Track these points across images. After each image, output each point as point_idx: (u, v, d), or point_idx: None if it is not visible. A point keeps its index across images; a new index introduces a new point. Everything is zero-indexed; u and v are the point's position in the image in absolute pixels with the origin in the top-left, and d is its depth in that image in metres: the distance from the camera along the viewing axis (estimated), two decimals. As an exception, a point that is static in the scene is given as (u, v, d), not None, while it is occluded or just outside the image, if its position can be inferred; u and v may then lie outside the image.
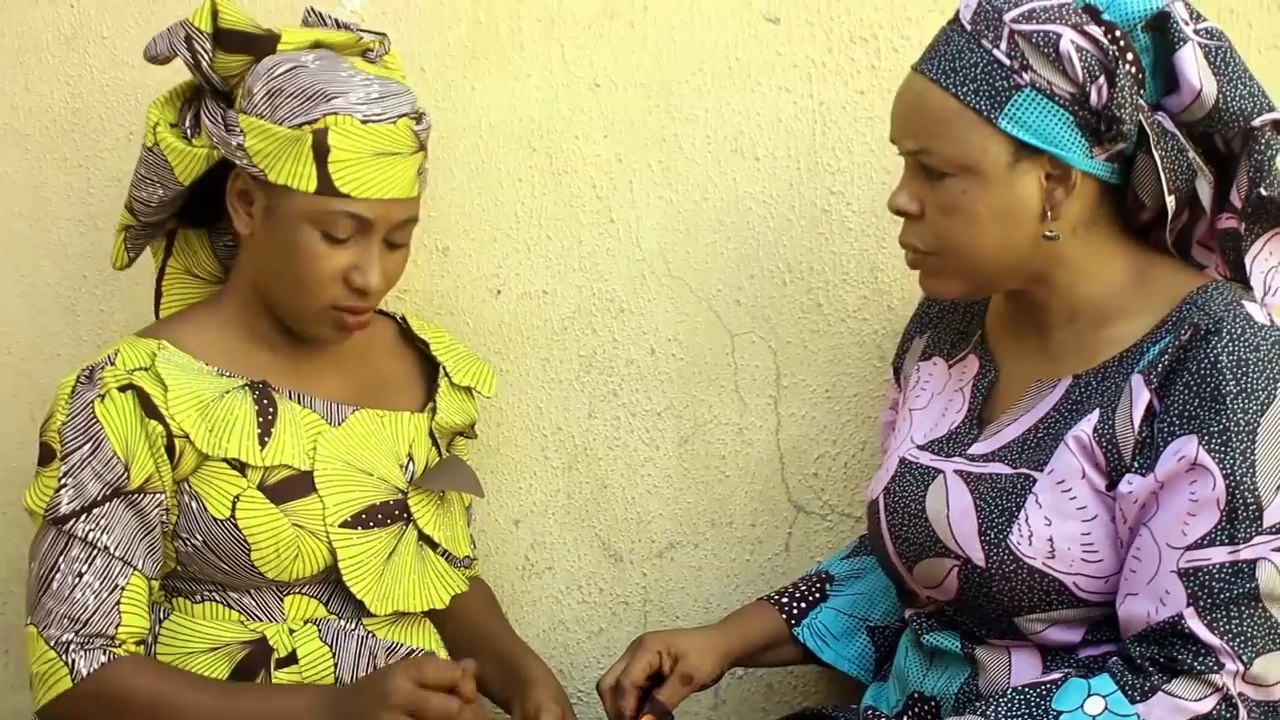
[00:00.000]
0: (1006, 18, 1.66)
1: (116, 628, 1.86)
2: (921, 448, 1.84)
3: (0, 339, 2.42)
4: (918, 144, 1.70)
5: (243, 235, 1.95)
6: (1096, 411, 1.67)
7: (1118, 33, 1.65)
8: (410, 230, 1.96)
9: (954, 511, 1.74)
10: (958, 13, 1.71)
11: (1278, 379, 1.60)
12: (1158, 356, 1.64)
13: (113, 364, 1.89)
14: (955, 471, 1.77)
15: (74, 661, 1.84)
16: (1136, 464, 1.63)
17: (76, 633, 1.85)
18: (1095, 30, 1.65)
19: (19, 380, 2.41)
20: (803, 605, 2.02)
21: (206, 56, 1.92)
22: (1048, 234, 1.69)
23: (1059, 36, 1.64)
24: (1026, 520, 1.67)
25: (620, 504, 2.31)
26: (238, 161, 1.90)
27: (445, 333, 2.19)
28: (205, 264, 2.11)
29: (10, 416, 2.42)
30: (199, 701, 1.85)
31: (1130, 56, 1.65)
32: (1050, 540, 1.66)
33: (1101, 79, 1.64)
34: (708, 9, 2.18)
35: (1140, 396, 1.63)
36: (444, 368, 2.12)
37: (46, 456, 1.89)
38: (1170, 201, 1.68)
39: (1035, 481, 1.69)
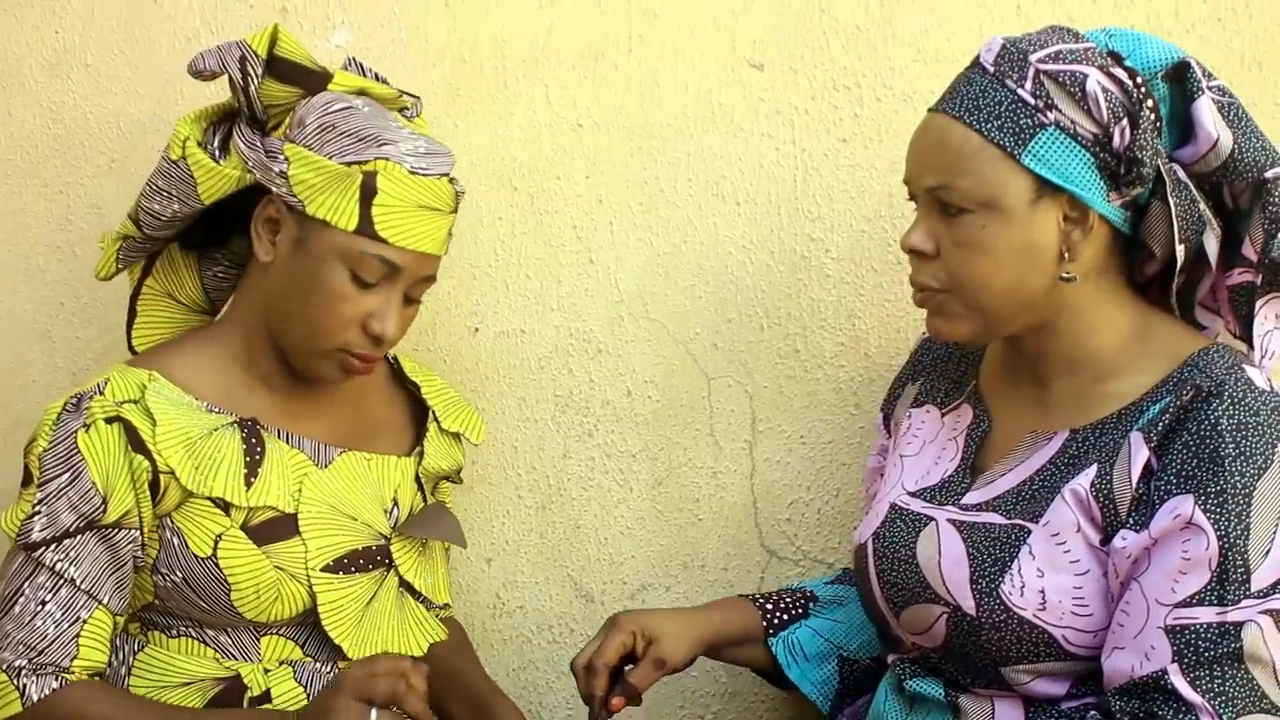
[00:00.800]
0: (1032, 59, 1.68)
1: (72, 659, 1.85)
2: (913, 494, 1.84)
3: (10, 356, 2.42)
4: (938, 180, 1.70)
5: (261, 262, 1.93)
6: (1094, 466, 1.67)
7: (1139, 79, 1.68)
8: (428, 288, 1.97)
9: (946, 559, 1.74)
10: (978, 57, 1.73)
11: (1275, 444, 1.60)
12: (1158, 415, 1.64)
13: (101, 393, 1.88)
14: (949, 520, 1.77)
15: (25, 686, 1.83)
16: (1132, 520, 1.63)
17: (30, 660, 1.84)
18: (1120, 73, 1.68)
19: (35, 396, 2.40)
20: (784, 616, 2.01)
21: (255, 80, 1.92)
22: (1065, 275, 1.70)
23: (1085, 77, 1.66)
24: (1019, 571, 1.67)
25: (593, 545, 2.30)
26: (274, 188, 1.89)
27: (436, 376, 2.19)
28: (190, 290, 2.10)
29: (-17, 442, 2.41)
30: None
31: (1150, 103, 1.68)
32: (1042, 592, 1.66)
33: (1125, 121, 1.66)
34: (692, 53, 2.19)
35: (1139, 454, 1.64)
36: (434, 412, 2.12)
37: (26, 479, 1.88)
38: (1180, 251, 1.70)
39: (1030, 533, 1.69)
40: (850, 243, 2.16)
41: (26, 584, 1.85)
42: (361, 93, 1.95)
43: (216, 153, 1.96)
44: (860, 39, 2.14)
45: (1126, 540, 1.62)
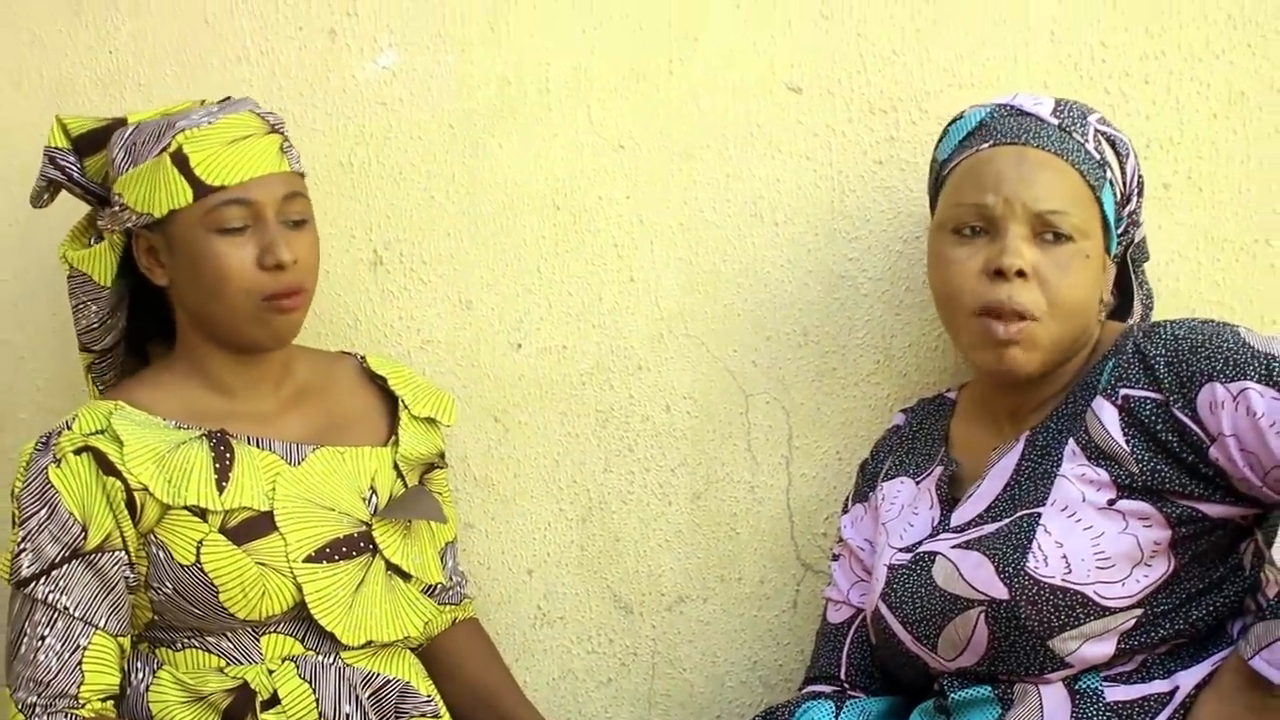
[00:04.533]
0: (1090, 119, 1.86)
1: (79, 686, 1.91)
2: (904, 550, 1.91)
3: (29, 376, 2.48)
4: (1057, 205, 1.81)
5: (164, 286, 2.03)
6: (1070, 441, 1.80)
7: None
8: (302, 205, 2.04)
9: (965, 567, 1.80)
10: (1020, 108, 1.88)
11: (1223, 323, 1.77)
12: (1110, 375, 1.79)
13: (69, 429, 1.96)
14: (951, 546, 1.84)
15: None
16: (1187, 450, 1.73)
17: (40, 695, 1.90)
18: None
19: (45, 416, 2.45)
20: None
21: (76, 167, 2.06)
22: (1102, 315, 1.89)
23: (1129, 145, 1.88)
24: (1039, 547, 1.75)
25: (632, 557, 2.34)
26: (130, 225, 2.01)
27: (404, 367, 2.24)
28: None
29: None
30: None
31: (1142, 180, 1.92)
32: (1065, 558, 1.74)
33: (1137, 189, 1.88)
34: (731, 76, 2.23)
35: (1107, 412, 1.77)
36: (403, 400, 2.17)
37: (12, 521, 1.96)
38: (1137, 307, 1.95)
39: (1040, 515, 1.77)
40: (886, 263, 2.20)
41: (26, 622, 1.93)
42: (165, 115, 2.06)
43: (91, 244, 2.09)
44: (896, 63, 2.18)
45: (1220, 454, 1.71)
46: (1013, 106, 1.88)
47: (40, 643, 1.91)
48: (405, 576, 2.09)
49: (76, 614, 1.92)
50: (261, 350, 2.04)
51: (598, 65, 2.27)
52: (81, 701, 1.91)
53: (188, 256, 1.98)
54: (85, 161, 2.07)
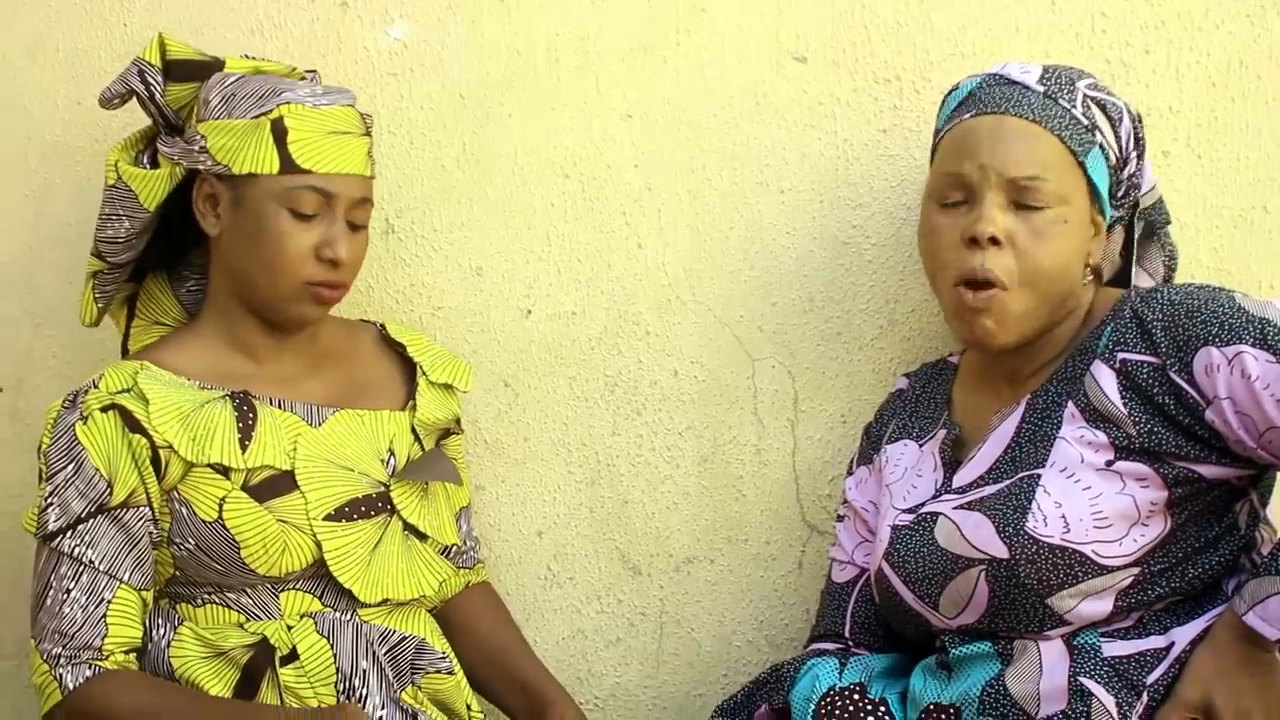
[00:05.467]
0: (1079, 85, 1.87)
1: (103, 639, 1.95)
2: (907, 511, 1.95)
3: (46, 343, 2.51)
4: (1031, 172, 1.83)
5: (212, 236, 2.05)
6: (1070, 404, 1.83)
7: (1139, 121, 1.92)
8: (368, 212, 2.08)
9: (966, 527, 1.84)
10: (1008, 76, 1.89)
11: (1219, 288, 1.80)
12: (1109, 340, 1.82)
13: (96, 388, 2.00)
14: (953, 507, 1.88)
15: (61, 675, 1.94)
16: (1184, 413, 1.76)
17: (65, 646, 1.95)
18: (1134, 111, 1.91)
19: (63, 383, 2.45)
20: None
21: (159, 88, 2.07)
22: (1087, 278, 1.90)
23: (1123, 109, 1.88)
24: (1039, 507, 1.79)
25: (640, 519, 2.38)
26: (201, 167, 2.03)
27: (423, 335, 2.28)
28: (171, 311, 2.23)
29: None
30: (177, 715, 1.95)
31: (1143, 142, 1.92)
32: (1064, 518, 1.78)
33: (1135, 152, 1.89)
34: (737, 47, 2.26)
35: (1105, 376, 1.81)
36: (421, 367, 2.21)
37: (39, 477, 2.00)
38: (1135, 271, 1.95)
39: (1040, 476, 1.81)
40: (890, 230, 2.23)
41: (52, 575, 1.97)
42: (258, 71, 2.09)
43: (147, 166, 2.10)
44: (900, 34, 2.21)
45: (1215, 417, 1.75)
46: (1001, 75, 1.91)
47: (66, 595, 1.95)
48: (422, 537, 2.13)
49: (101, 568, 1.96)
50: (288, 326, 2.08)
51: (606, 36, 2.30)
52: (105, 654, 1.95)
53: (252, 221, 2.01)
54: (170, 86, 2.07)
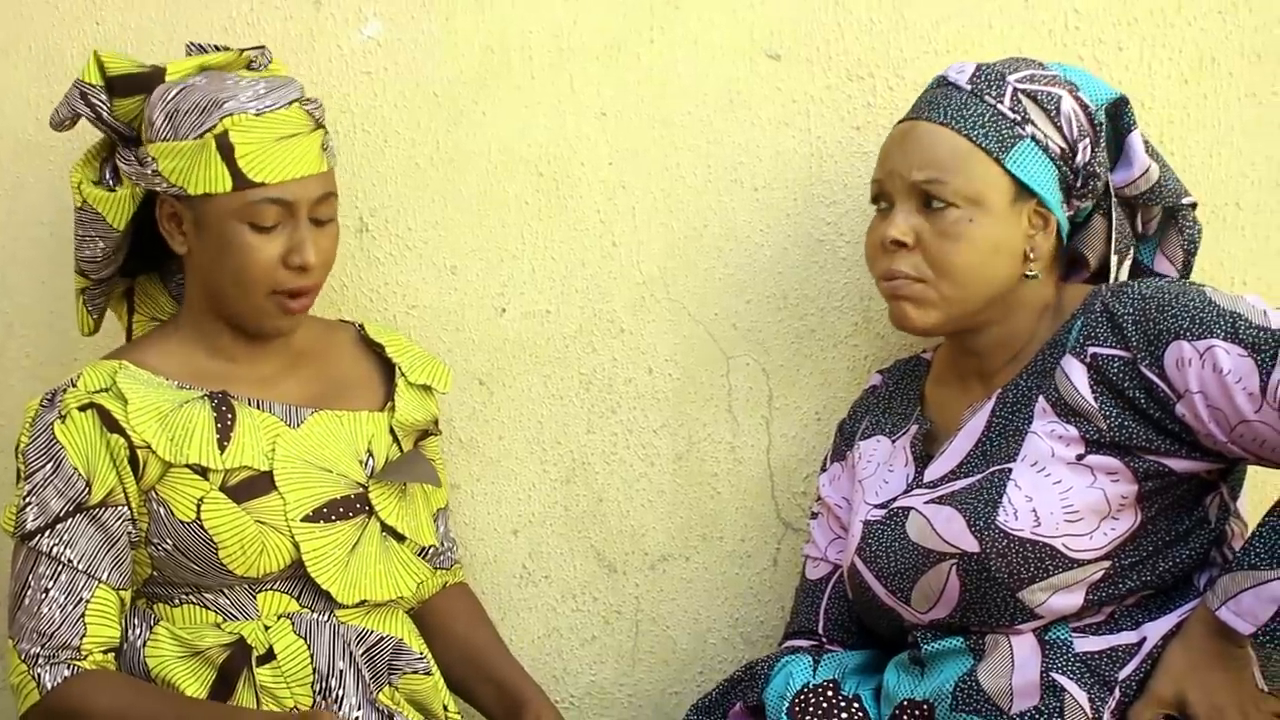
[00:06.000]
0: (1010, 79, 1.86)
1: (81, 639, 1.95)
2: (879, 507, 1.95)
3: (18, 343, 2.49)
4: (931, 175, 1.85)
5: (182, 254, 2.05)
6: (1041, 398, 1.83)
7: (1091, 108, 1.87)
8: (332, 205, 2.06)
9: (937, 521, 1.85)
10: (945, 77, 1.90)
11: (1189, 283, 1.82)
12: (1079, 334, 1.82)
13: (74, 386, 1.99)
14: (925, 502, 1.88)
15: (40, 675, 1.94)
16: (1154, 407, 1.77)
17: (43, 646, 1.94)
18: (1084, 98, 1.87)
19: (36, 384, 2.44)
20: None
21: (105, 107, 2.05)
22: (1029, 273, 1.88)
23: (1060, 98, 1.85)
24: (1009, 501, 1.80)
25: (615, 517, 2.37)
26: (158, 189, 2.01)
27: (401, 336, 2.28)
28: (166, 307, 2.23)
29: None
30: (154, 717, 1.94)
31: (1099, 127, 1.88)
32: (1034, 511, 1.79)
33: (1087, 140, 1.86)
34: (711, 44, 2.26)
35: (1075, 370, 1.81)
36: (400, 368, 2.20)
37: (17, 477, 2.00)
38: (1115, 260, 1.92)
39: (1010, 471, 1.82)
40: (864, 227, 2.19)
41: (30, 575, 1.96)
42: (202, 68, 2.06)
43: (110, 183, 2.09)
44: (874, 30, 2.21)
45: (1186, 410, 1.75)
46: (940, 77, 1.93)
47: (44, 595, 1.95)
48: (400, 538, 2.13)
49: (80, 567, 1.95)
50: (265, 336, 2.08)
51: (580, 33, 2.30)
52: (84, 653, 1.95)
53: (215, 239, 2.00)
54: (116, 102, 2.06)
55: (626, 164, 2.31)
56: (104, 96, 2.05)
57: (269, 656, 2.00)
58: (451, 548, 2.28)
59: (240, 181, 1.97)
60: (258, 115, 1.99)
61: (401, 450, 2.18)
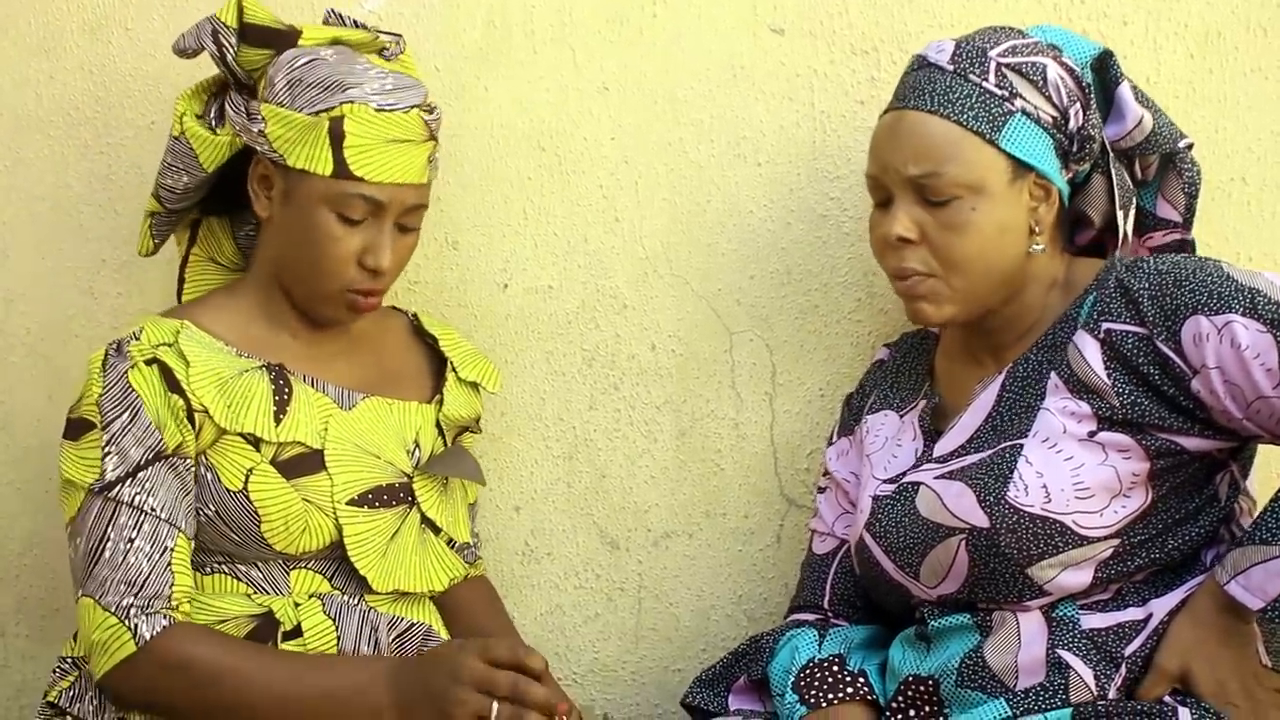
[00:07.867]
0: (991, 54, 1.84)
1: (171, 588, 1.92)
2: (888, 481, 1.95)
3: (19, 319, 2.48)
4: (926, 169, 1.82)
5: (262, 218, 2.04)
6: (1053, 374, 1.83)
7: (1077, 70, 1.86)
8: (420, 215, 2.05)
9: (947, 496, 1.84)
10: (925, 58, 1.88)
11: (1206, 258, 1.79)
12: (1092, 309, 1.81)
13: (138, 339, 1.97)
14: (935, 477, 1.87)
15: (136, 626, 1.89)
16: (1168, 383, 1.76)
17: (136, 596, 1.90)
18: (1068, 62, 1.85)
19: (36, 360, 2.47)
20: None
21: (231, 50, 2.02)
22: (1034, 248, 1.86)
23: (1046, 67, 1.83)
24: (1020, 477, 1.79)
25: (618, 493, 2.37)
26: (258, 148, 1.99)
27: (454, 330, 2.27)
28: (227, 252, 2.20)
29: (26, 394, 2.48)
30: (264, 668, 1.90)
31: (1088, 88, 1.86)
32: (1045, 488, 1.78)
33: (1078, 104, 1.85)
34: (714, 18, 2.26)
35: (1089, 346, 1.80)
36: (451, 363, 2.20)
37: (80, 429, 1.95)
38: (1121, 216, 1.89)
39: (1022, 446, 1.81)
40: (868, 202, 2.18)
41: (110, 527, 1.92)
42: (336, 41, 2.03)
43: (213, 123, 2.07)
44: (878, 4, 2.20)
45: (1202, 386, 1.75)
46: (919, 57, 1.90)
47: (129, 545, 1.91)
48: (436, 531, 2.13)
49: (162, 515, 1.93)
50: (322, 324, 2.08)
51: (582, 8, 2.29)
52: (175, 603, 1.92)
53: (299, 217, 1.98)
54: (243, 49, 2.02)
55: (629, 139, 2.30)
56: (234, 40, 2.02)
57: (295, 633, 1.98)
58: (478, 544, 2.28)
59: (341, 170, 1.95)
60: (377, 111, 1.97)
61: (446, 444, 2.18)
